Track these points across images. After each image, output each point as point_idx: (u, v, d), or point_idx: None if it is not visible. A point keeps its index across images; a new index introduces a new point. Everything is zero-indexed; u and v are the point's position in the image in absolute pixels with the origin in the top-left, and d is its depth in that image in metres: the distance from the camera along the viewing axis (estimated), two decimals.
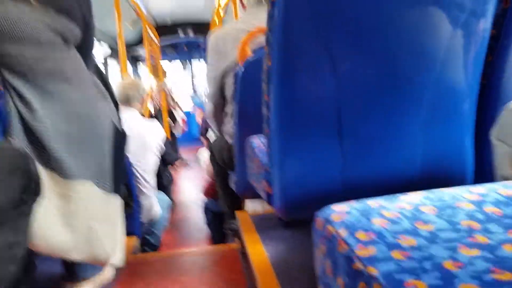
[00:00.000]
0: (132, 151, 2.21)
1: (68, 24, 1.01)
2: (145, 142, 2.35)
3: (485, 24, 0.89)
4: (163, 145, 2.52)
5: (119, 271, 1.65)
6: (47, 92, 0.99)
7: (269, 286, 1.13)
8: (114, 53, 5.73)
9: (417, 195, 0.61)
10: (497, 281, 0.41)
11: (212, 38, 1.75)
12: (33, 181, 0.78)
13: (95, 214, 1.07)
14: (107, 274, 1.35)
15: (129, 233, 2.09)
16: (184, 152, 7.05)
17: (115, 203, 1.18)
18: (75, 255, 1.03)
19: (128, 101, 2.42)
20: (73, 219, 1.00)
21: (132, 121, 2.32)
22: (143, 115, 3.79)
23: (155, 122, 2.63)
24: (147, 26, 4.58)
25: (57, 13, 0.98)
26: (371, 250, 0.47)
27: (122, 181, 1.24)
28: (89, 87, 1.11)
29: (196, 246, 3.21)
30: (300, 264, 1.24)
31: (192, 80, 9.12)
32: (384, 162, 0.93)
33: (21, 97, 0.96)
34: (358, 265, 0.46)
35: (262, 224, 1.61)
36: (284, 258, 1.29)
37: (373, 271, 0.44)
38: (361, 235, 0.51)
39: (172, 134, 5.60)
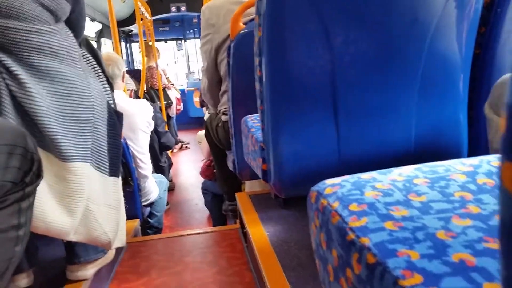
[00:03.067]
0: (124, 133, 2.20)
1: None
2: (134, 121, 2.30)
3: None
4: (152, 122, 2.47)
5: (121, 253, 1.67)
6: (36, 68, 0.97)
7: (269, 264, 1.14)
8: (105, 30, 5.63)
9: (410, 168, 0.61)
10: (489, 249, 0.42)
11: (205, 10, 1.73)
12: (35, 162, 0.76)
13: (92, 196, 1.07)
14: (109, 256, 1.36)
15: (130, 216, 2.10)
16: (182, 134, 7.04)
17: (114, 185, 1.18)
18: (73, 237, 1.04)
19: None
20: (69, 200, 1.00)
21: (119, 102, 2.29)
22: (137, 96, 3.75)
23: (142, 100, 2.56)
24: (138, 1, 4.48)
25: None
26: (364, 221, 0.47)
27: (119, 163, 1.23)
28: (80, 63, 1.08)
29: (197, 227, 3.23)
30: (298, 241, 1.26)
31: (187, 59, 9.05)
32: (379, 136, 0.93)
33: (8, 71, 0.94)
34: (351, 236, 0.46)
35: (261, 204, 1.62)
36: (283, 236, 1.30)
37: (366, 241, 0.44)
38: (353, 207, 0.51)
39: (167, 115, 5.57)
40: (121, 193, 1.22)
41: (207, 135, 2.22)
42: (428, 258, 0.41)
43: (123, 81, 2.41)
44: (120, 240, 1.21)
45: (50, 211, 0.95)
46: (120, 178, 1.23)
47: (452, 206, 0.50)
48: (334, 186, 0.57)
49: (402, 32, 0.87)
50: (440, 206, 0.50)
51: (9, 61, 0.94)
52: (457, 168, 0.60)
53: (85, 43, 1.27)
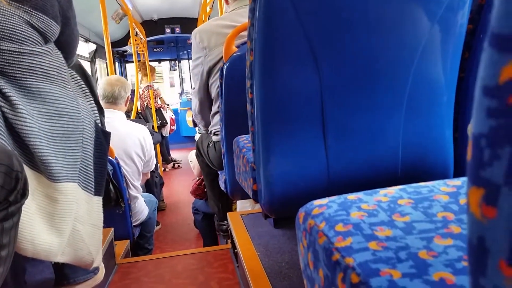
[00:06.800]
0: (118, 154, 2.21)
1: (45, 20, 1.02)
2: (131, 144, 2.34)
3: (461, 19, 0.91)
4: (148, 148, 2.49)
5: (111, 274, 1.65)
6: (28, 89, 0.98)
7: (260, 285, 1.14)
8: (100, 50, 5.67)
9: (395, 189, 0.63)
10: None
11: (197, 34, 1.76)
12: (20, 181, 0.76)
13: (79, 216, 1.07)
14: (98, 277, 1.35)
15: (121, 237, 2.09)
16: (174, 153, 7.04)
17: (98, 205, 1.18)
18: (61, 258, 1.03)
19: (114, 101, 2.36)
20: (59, 221, 1.00)
21: (118, 122, 2.31)
22: (128, 115, 3.77)
23: (140, 124, 2.60)
24: (133, 22, 4.54)
25: (33, 9, 0.99)
26: (349, 241, 0.49)
27: (104, 182, 1.24)
28: (69, 83, 1.10)
29: (188, 248, 3.21)
30: (289, 261, 1.26)
31: (181, 79, 9.12)
32: (367, 156, 0.95)
33: (1, 92, 0.95)
34: (336, 256, 0.47)
35: (252, 223, 1.62)
36: (274, 256, 1.30)
37: (350, 261, 0.45)
38: (339, 227, 0.52)
39: (161, 135, 5.60)
40: (102, 213, 1.22)
41: (198, 155, 2.23)
42: (410, 277, 0.42)
43: (125, 105, 2.45)
44: (98, 260, 1.21)
45: (39, 233, 0.95)
46: (101, 197, 1.23)
47: (435, 226, 0.52)
48: (321, 207, 0.59)
49: (389, 55, 0.90)
50: (423, 226, 0.52)
51: (1, 83, 0.95)
52: (440, 189, 0.62)
53: (74, 62, 1.29)
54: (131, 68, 8.37)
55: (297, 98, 0.90)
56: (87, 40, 5.18)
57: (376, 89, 0.92)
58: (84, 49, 5.24)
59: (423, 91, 0.95)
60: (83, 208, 1.09)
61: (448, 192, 0.61)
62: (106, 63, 3.45)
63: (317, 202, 0.61)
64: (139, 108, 5.01)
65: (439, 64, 0.94)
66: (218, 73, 1.67)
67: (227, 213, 1.81)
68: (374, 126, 0.94)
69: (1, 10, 0.94)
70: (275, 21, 0.85)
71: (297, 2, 0.82)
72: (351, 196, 0.61)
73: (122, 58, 8.06)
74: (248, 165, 1.10)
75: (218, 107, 1.80)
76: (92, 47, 5.54)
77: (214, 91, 1.81)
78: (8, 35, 0.95)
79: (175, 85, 9.46)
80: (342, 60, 0.89)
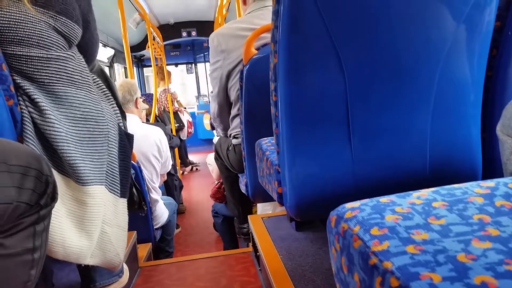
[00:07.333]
0: (136, 157, 2.23)
1: (69, 24, 1.03)
2: (148, 147, 2.35)
3: (488, 17, 0.89)
4: (164, 148, 2.51)
5: (134, 277, 1.67)
6: (55, 94, 1.01)
7: None
8: (118, 55, 5.75)
9: (428, 191, 0.62)
10: (511, 272, 0.42)
11: (214, 38, 1.76)
12: (50, 184, 0.77)
13: (107, 218, 1.08)
14: (123, 280, 1.37)
15: (143, 240, 2.11)
16: (192, 156, 7.09)
17: (123, 206, 1.20)
18: (90, 260, 1.05)
19: (121, 105, 2.39)
20: (89, 224, 1.01)
21: (133, 126, 2.33)
22: (147, 119, 3.81)
23: (154, 126, 2.62)
24: (150, 27, 4.59)
25: (58, 13, 1.00)
26: (385, 245, 0.48)
27: (128, 184, 1.25)
28: (93, 87, 1.12)
29: (208, 251, 3.22)
30: (313, 264, 1.25)
31: (197, 82, 9.19)
32: (394, 157, 0.94)
33: (30, 98, 0.97)
34: (374, 259, 0.47)
35: (274, 226, 1.62)
36: (297, 259, 1.30)
37: (389, 265, 0.45)
38: (375, 231, 0.51)
39: (179, 138, 5.64)
40: (127, 214, 1.23)
41: (216, 159, 2.23)
42: (450, 280, 0.41)
43: (136, 107, 2.47)
44: (122, 262, 1.22)
45: (69, 236, 0.97)
46: (126, 199, 1.25)
47: (471, 229, 0.51)
48: (354, 210, 0.58)
49: (414, 55, 0.89)
50: (460, 229, 0.51)
51: (31, 89, 0.97)
52: (474, 191, 0.61)
53: (96, 66, 1.31)
54: (149, 71, 8.47)
55: (322, 99, 0.90)
56: (105, 45, 5.27)
57: (402, 88, 0.91)
58: (103, 54, 5.33)
59: (449, 90, 0.93)
60: (110, 210, 1.10)
61: (482, 194, 0.59)
62: (125, 67, 3.51)
63: (348, 205, 0.60)
64: (157, 112, 5.06)
65: (465, 62, 0.92)
66: (237, 76, 1.67)
67: (248, 216, 1.81)
68: (400, 126, 0.93)
69: (29, 17, 0.95)
70: (299, 23, 0.84)
71: (320, 3, 0.82)
72: (383, 199, 0.60)
73: (140, 63, 8.16)
74: (272, 168, 1.10)
75: (238, 110, 1.80)
76: (110, 52, 5.62)
77: (233, 94, 1.81)
78: (37, 41, 0.97)
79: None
80: (367, 60, 0.88)
